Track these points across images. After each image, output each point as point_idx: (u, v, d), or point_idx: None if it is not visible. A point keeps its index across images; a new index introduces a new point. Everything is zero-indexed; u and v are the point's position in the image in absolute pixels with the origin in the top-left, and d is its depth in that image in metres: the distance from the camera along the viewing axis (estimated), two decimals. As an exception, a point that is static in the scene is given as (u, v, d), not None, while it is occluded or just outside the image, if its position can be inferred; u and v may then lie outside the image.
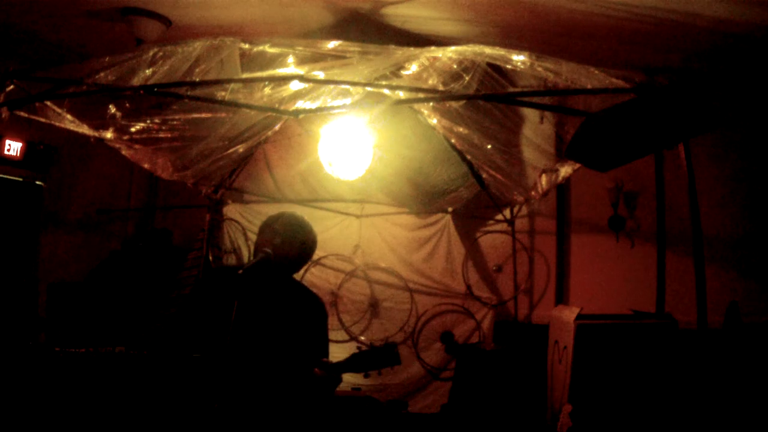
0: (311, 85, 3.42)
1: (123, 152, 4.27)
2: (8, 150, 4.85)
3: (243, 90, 3.51)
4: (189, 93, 3.37)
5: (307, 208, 5.46)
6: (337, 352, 2.97)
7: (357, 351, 2.90)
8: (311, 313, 2.97)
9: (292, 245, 2.86)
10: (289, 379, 2.78)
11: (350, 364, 2.77)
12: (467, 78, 3.32)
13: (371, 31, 4.43)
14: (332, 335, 5.33)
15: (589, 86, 2.95)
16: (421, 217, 5.80)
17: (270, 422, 2.75)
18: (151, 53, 3.25)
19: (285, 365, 2.78)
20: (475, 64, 3.31)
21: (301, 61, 3.47)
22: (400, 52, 3.30)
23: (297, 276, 3.05)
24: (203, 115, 3.90)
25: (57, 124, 3.68)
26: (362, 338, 5.60)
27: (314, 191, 5.79)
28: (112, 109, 3.74)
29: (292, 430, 2.82)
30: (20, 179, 5.04)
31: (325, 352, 2.94)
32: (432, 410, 5.46)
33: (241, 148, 4.55)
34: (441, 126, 4.49)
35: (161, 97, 3.58)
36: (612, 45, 4.60)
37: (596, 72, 2.96)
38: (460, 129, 4.37)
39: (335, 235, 5.77)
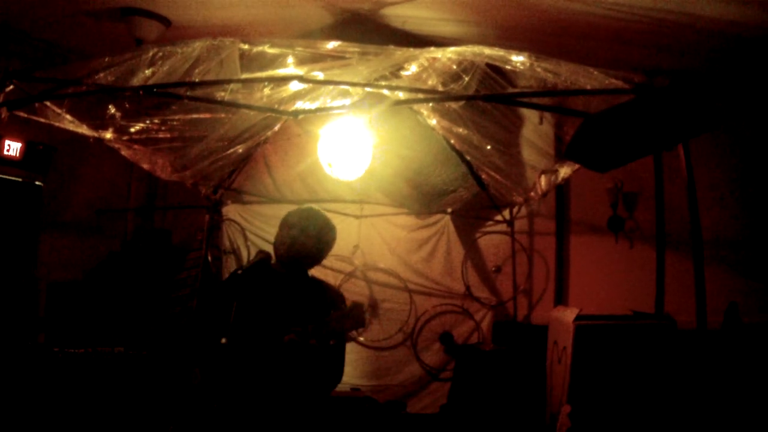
0: (311, 85, 3.41)
1: (122, 152, 4.26)
2: (8, 150, 4.84)
3: (242, 90, 3.51)
4: (188, 93, 3.36)
5: (307, 208, 5.46)
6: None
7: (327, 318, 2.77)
8: (329, 306, 2.93)
9: (308, 236, 2.92)
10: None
11: (318, 329, 2.70)
12: (467, 78, 3.32)
13: (371, 31, 4.44)
14: (331, 336, 5.35)
15: (588, 87, 2.94)
16: (420, 217, 5.80)
17: (270, 422, 2.75)
18: (150, 53, 3.24)
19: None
20: (474, 64, 3.31)
21: (301, 62, 3.46)
22: (399, 53, 3.29)
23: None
24: (203, 116, 3.90)
25: (56, 124, 3.67)
26: (361, 339, 5.59)
27: (313, 192, 5.78)
28: (112, 110, 3.73)
29: (293, 430, 2.82)
30: (19, 179, 5.03)
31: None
32: (431, 411, 5.46)
33: (240, 149, 4.55)
34: (440, 126, 4.49)
35: (161, 98, 3.58)
36: (611, 45, 4.61)
37: (595, 73, 2.95)
38: (460, 129, 4.37)
39: (335, 236, 5.77)
